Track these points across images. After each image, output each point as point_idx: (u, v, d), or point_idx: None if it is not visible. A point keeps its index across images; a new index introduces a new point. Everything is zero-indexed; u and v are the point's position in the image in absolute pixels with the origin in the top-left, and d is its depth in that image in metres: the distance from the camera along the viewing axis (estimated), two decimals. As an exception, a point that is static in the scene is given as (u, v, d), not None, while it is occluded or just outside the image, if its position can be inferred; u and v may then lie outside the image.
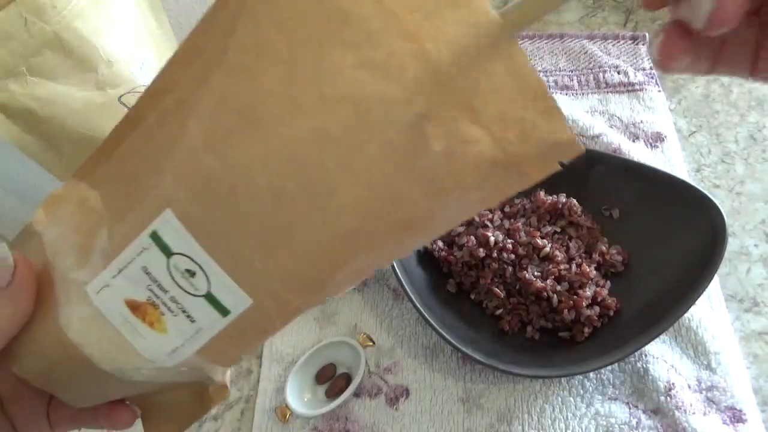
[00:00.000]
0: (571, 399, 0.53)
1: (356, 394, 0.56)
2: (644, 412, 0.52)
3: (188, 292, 0.26)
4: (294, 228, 0.24)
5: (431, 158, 0.23)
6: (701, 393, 0.53)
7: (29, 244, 0.28)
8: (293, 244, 0.24)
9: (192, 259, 0.25)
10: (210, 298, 0.26)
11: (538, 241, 0.58)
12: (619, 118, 0.73)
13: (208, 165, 0.24)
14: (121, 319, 0.26)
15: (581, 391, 0.54)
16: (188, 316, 0.26)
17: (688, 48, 0.23)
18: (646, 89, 0.75)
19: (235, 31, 0.23)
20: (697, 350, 0.55)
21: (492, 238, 0.57)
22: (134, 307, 0.26)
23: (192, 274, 0.25)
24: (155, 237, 0.25)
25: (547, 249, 0.57)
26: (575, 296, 0.55)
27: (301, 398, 0.55)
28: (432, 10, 0.22)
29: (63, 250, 0.27)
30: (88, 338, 0.26)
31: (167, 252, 0.25)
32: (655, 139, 0.70)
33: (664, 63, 0.23)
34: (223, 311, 0.26)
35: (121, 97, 0.52)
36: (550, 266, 0.57)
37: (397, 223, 0.24)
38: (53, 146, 0.52)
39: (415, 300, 0.53)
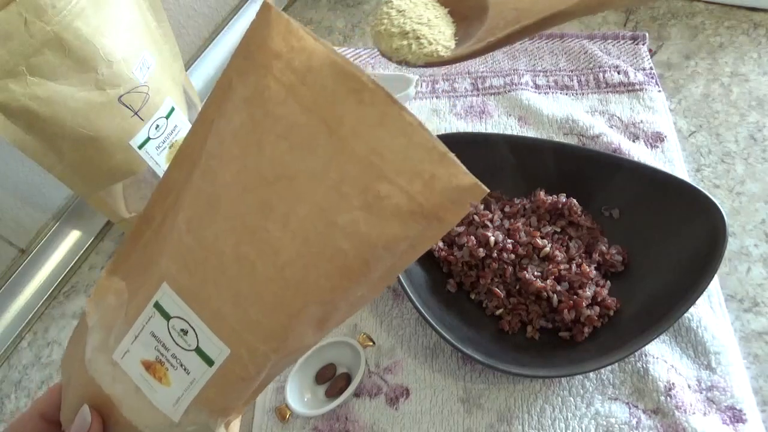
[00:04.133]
0: (571, 399, 0.53)
1: (356, 394, 0.56)
2: (644, 412, 0.52)
3: (184, 348, 0.32)
4: (255, 284, 0.30)
5: (352, 213, 0.28)
6: (701, 393, 0.53)
7: (78, 333, 0.35)
8: (255, 298, 0.30)
9: (184, 320, 0.31)
10: (199, 351, 0.32)
11: (538, 241, 0.58)
12: (619, 118, 0.73)
13: (188, 243, 0.30)
14: (140, 377, 0.32)
15: (581, 391, 0.54)
16: (185, 369, 0.32)
17: None
18: (646, 89, 0.75)
19: (206, 141, 0.31)
20: (697, 350, 0.55)
21: (492, 238, 0.57)
22: (147, 365, 0.33)
23: (185, 332, 0.32)
24: (158, 306, 0.31)
25: (547, 249, 0.57)
26: (575, 296, 0.55)
27: (301, 398, 0.55)
28: (330, 91, 0.28)
29: (98, 329, 0.34)
30: (125, 400, 0.33)
31: (167, 316, 0.31)
32: (655, 139, 0.70)
33: None
34: (209, 362, 0.32)
35: (121, 97, 0.52)
36: (550, 266, 0.57)
37: (336, 272, 0.29)
38: (53, 146, 0.52)
39: (415, 300, 0.53)
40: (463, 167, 0.27)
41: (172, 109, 0.58)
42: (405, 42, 0.48)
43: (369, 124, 0.28)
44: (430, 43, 0.47)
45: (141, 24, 0.55)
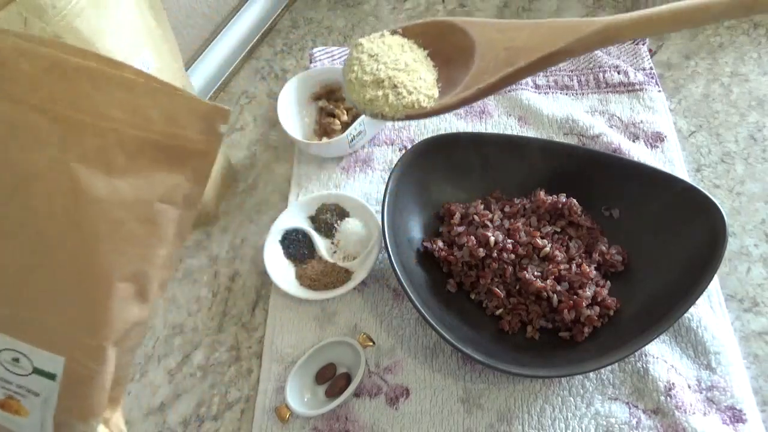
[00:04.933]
0: (571, 399, 0.53)
1: (356, 394, 0.56)
2: (644, 412, 0.52)
3: (23, 375, 0.32)
4: (54, 287, 0.30)
5: (111, 182, 0.28)
6: (701, 393, 0.53)
7: None
8: (61, 300, 0.30)
9: (10, 349, 0.32)
10: (37, 371, 0.32)
11: (538, 241, 0.58)
12: (619, 118, 0.73)
13: None
14: (3, 419, 0.33)
15: (581, 391, 0.54)
16: (34, 393, 0.33)
17: None
18: (646, 89, 0.75)
19: None
20: (697, 350, 0.55)
21: (492, 238, 0.57)
22: (2, 405, 0.33)
23: (17, 360, 0.32)
24: None
25: (547, 249, 0.57)
26: (575, 296, 0.55)
27: (301, 398, 0.55)
28: (30, 77, 0.27)
29: None
30: None
31: None
32: (655, 139, 0.70)
33: None
34: (51, 376, 0.32)
35: (121, 97, 0.52)
36: (550, 266, 0.57)
37: (124, 243, 0.30)
38: (53, 146, 0.52)
39: (415, 300, 0.53)
40: (197, 96, 0.28)
41: (172, 109, 0.58)
42: (380, 92, 0.42)
43: (83, 93, 0.27)
44: (410, 93, 0.42)
45: (141, 24, 0.55)
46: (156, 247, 0.31)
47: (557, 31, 0.37)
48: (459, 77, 0.42)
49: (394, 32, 0.45)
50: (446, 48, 0.43)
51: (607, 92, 0.75)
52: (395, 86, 0.42)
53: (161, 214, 0.30)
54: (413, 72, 0.43)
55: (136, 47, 0.53)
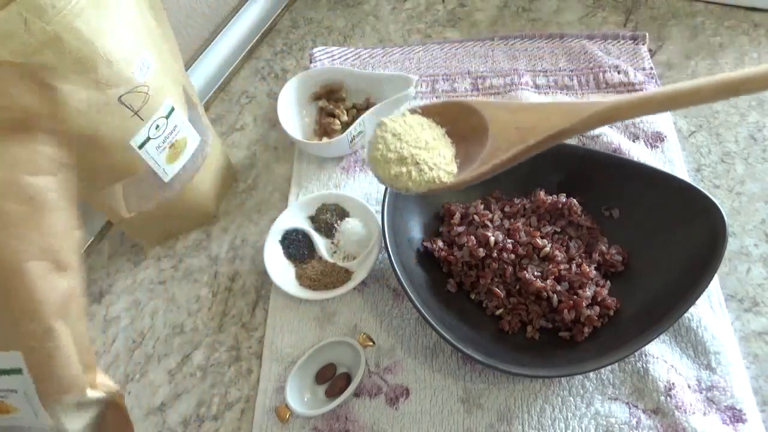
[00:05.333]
0: (571, 399, 0.53)
1: (356, 394, 0.56)
2: (644, 412, 0.52)
3: None
4: None
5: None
6: (701, 393, 0.53)
7: None
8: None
9: None
10: (3, 371, 0.33)
11: (538, 241, 0.58)
12: (619, 118, 0.73)
13: None
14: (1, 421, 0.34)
15: (581, 391, 0.54)
16: (12, 391, 0.34)
17: None
18: (646, 89, 0.74)
19: None
20: (697, 350, 0.55)
21: (492, 238, 0.57)
22: None
23: None
24: None
25: (547, 249, 0.57)
26: (575, 296, 0.55)
27: (301, 398, 0.55)
28: None
29: None
30: None
31: None
32: (655, 139, 0.70)
33: None
34: (17, 371, 0.33)
35: (121, 96, 0.52)
36: (550, 266, 0.57)
37: (15, 228, 0.31)
38: (53, 146, 0.52)
39: (415, 300, 0.53)
40: (9, 60, 0.29)
41: (172, 109, 0.58)
42: (404, 169, 0.46)
43: None
44: (431, 169, 0.45)
45: (141, 24, 0.55)
46: (47, 218, 0.32)
47: (562, 113, 0.42)
48: (475, 153, 0.46)
49: (413, 112, 0.49)
50: (462, 127, 0.47)
51: (607, 92, 0.75)
52: (417, 163, 0.45)
53: (34, 187, 0.31)
54: (433, 149, 0.46)
55: (136, 47, 0.53)
